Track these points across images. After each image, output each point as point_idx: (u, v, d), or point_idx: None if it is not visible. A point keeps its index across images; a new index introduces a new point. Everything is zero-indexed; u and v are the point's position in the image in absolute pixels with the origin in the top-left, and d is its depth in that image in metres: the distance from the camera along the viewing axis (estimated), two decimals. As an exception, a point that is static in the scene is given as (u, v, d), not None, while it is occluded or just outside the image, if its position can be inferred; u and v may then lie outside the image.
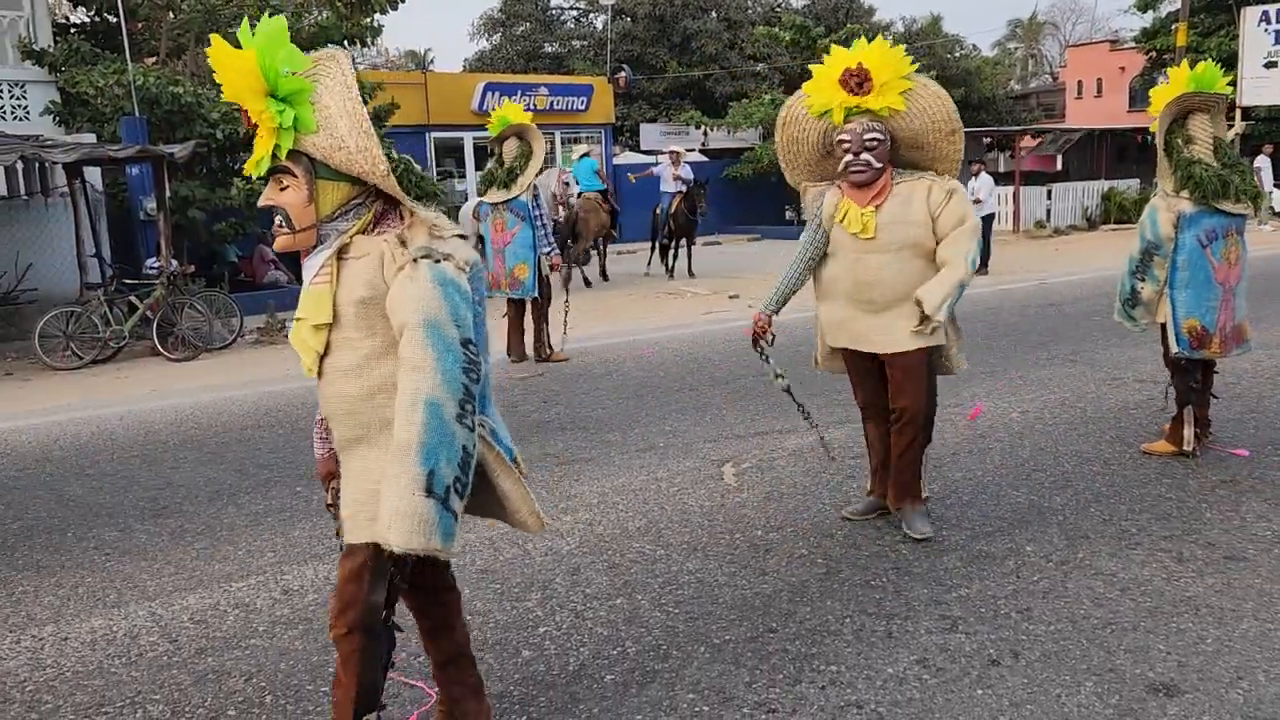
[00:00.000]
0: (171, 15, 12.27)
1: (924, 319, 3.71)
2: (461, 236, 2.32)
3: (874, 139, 3.77)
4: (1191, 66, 4.60)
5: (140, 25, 12.85)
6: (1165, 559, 3.73)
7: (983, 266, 13.46)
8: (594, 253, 14.30)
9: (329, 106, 2.19)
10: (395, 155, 2.30)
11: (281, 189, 2.27)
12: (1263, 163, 18.59)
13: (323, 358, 2.31)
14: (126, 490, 5.15)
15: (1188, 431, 4.85)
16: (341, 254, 2.29)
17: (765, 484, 4.80)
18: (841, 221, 3.87)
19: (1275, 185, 19.33)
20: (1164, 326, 4.79)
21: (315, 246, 2.31)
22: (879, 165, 3.80)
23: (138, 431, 6.43)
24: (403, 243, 2.24)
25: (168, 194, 10.34)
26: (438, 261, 2.18)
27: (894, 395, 4.01)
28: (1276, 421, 5.47)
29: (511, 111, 7.87)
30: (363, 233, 2.29)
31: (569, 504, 4.61)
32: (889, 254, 3.81)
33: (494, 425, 2.38)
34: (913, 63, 3.77)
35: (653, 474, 5.02)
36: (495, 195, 7.81)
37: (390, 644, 2.44)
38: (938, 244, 3.82)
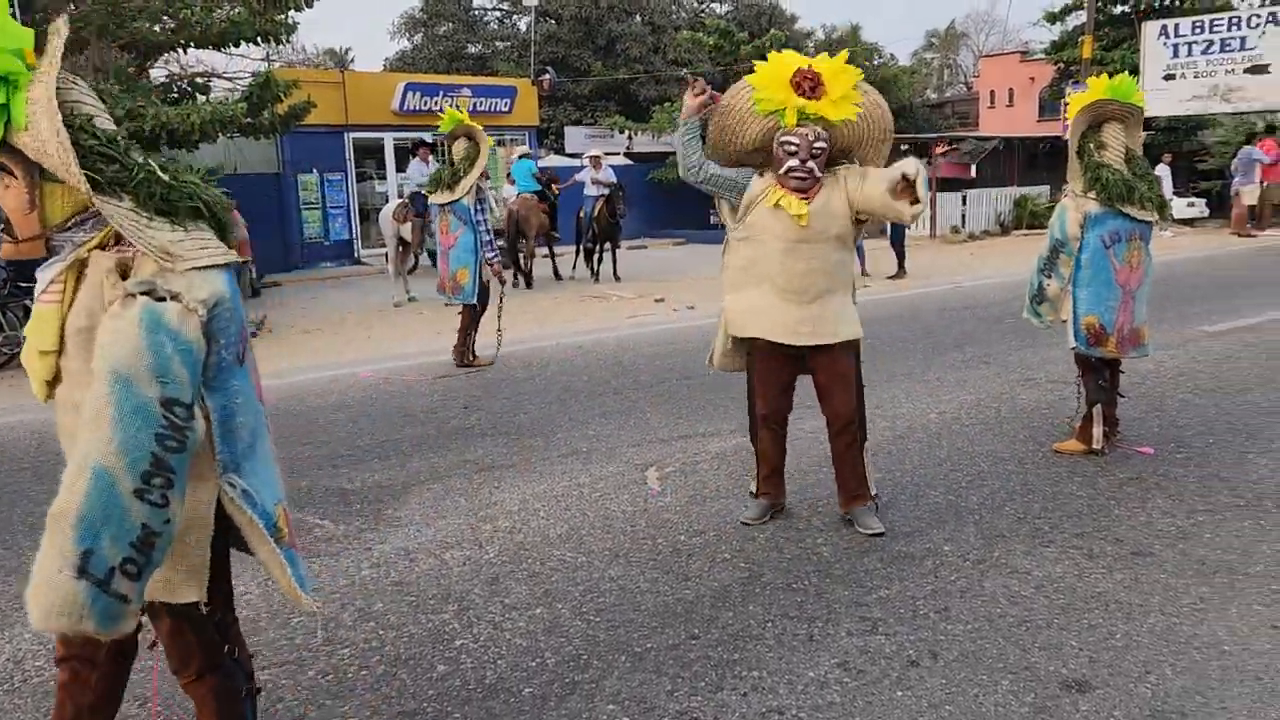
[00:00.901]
0: (72, 8, 11.77)
1: (908, 185, 3.59)
2: (229, 265, 2.00)
3: (820, 147, 3.76)
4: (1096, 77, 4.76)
5: (37, 18, 12.30)
6: (1077, 556, 3.81)
7: (900, 271, 13.73)
8: (534, 254, 14.19)
9: (37, 99, 1.86)
10: (138, 160, 1.96)
11: (3, 188, 1.94)
12: (1163, 171, 19.31)
13: (54, 384, 2.03)
14: (14, 505, 4.88)
15: (1097, 430, 4.97)
16: (81, 270, 1.95)
17: (689, 488, 4.77)
18: (775, 206, 3.80)
19: (1174, 193, 20.11)
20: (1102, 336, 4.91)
21: (47, 258, 1.98)
22: (820, 174, 3.80)
23: (29, 443, 6.12)
24: (123, 272, 1.89)
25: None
26: (160, 300, 1.84)
27: (825, 399, 3.99)
28: (1179, 420, 5.64)
29: (464, 113, 7.80)
30: (103, 247, 1.94)
31: (489, 512, 4.52)
32: (820, 244, 3.80)
33: (248, 486, 2.07)
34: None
35: (575, 480, 4.95)
36: (439, 197, 7.68)
37: (246, 675, 2.32)
38: (861, 219, 3.86)
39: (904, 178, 3.56)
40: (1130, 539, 3.95)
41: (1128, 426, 5.46)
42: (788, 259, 3.81)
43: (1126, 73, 5.06)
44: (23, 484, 5.24)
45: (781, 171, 3.79)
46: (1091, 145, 4.77)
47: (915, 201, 3.59)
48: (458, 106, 8.36)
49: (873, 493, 4.14)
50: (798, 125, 3.74)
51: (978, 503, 4.42)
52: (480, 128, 7.80)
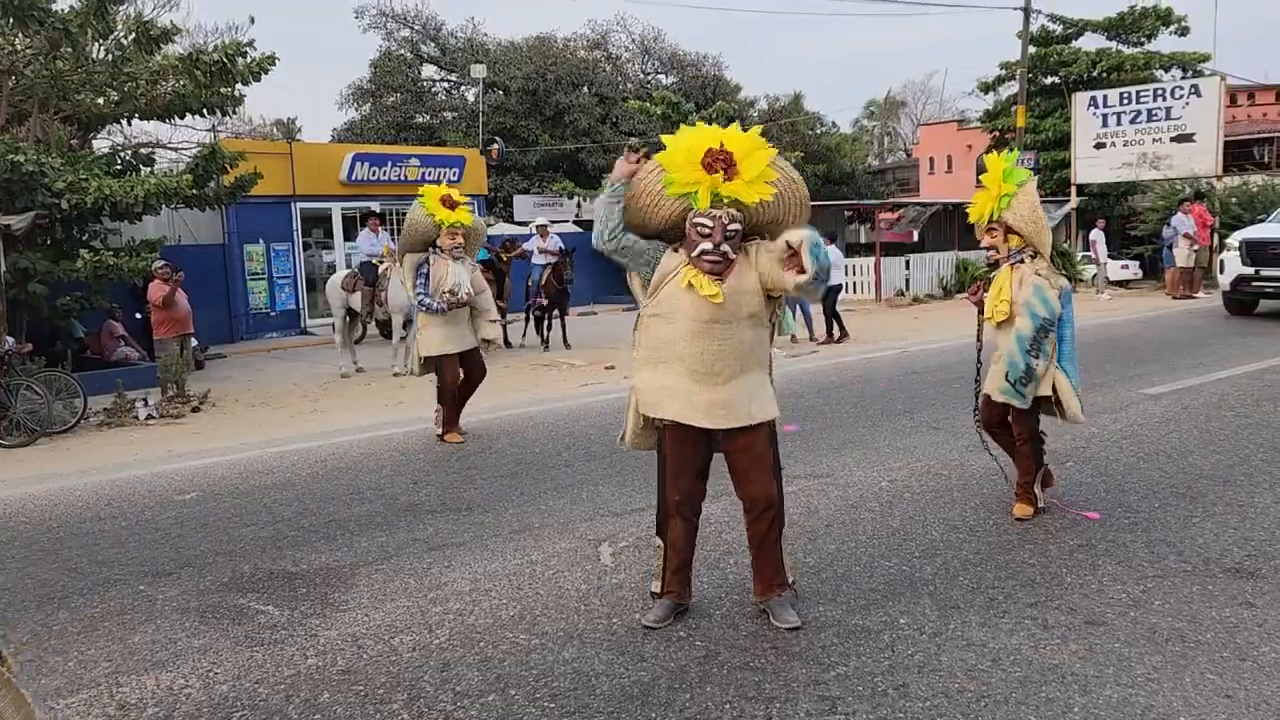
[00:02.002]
0: (13, 81, 11.65)
1: (792, 255, 3.46)
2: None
3: (734, 230, 3.66)
4: (1027, 147, 5.05)
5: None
6: (1032, 626, 3.81)
7: (839, 335, 13.92)
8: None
9: None
10: None
11: None
12: (1097, 235, 19.94)
13: None
14: (-57, 596, 4.67)
15: (1039, 491, 5.20)
16: None
17: (642, 563, 4.70)
18: (686, 285, 3.65)
19: (1109, 256, 20.72)
20: (1044, 399, 5.08)
21: None
22: (734, 256, 3.69)
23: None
24: None
25: (3, 268, 9.71)
26: None
27: (741, 483, 3.83)
28: (1124, 484, 5.72)
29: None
30: None
31: (439, 593, 4.41)
32: (732, 324, 3.68)
33: None
34: (770, 144, 3.69)
35: (527, 557, 4.86)
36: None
37: None
38: (769, 287, 3.72)
39: (787, 245, 3.45)
40: (1083, 607, 3.96)
41: (1075, 491, 5.53)
42: (699, 339, 3.67)
43: (1007, 150, 5.26)
44: (-52, 574, 5.01)
45: (694, 254, 3.65)
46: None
47: (802, 271, 3.43)
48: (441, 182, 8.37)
49: (790, 581, 3.95)
50: (711, 206, 3.62)
51: (932, 573, 4.42)
52: (472, 220, 7.73)
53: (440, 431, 7.73)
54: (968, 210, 5.32)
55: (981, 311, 5.26)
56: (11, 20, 10.95)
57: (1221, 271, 14.58)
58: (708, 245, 3.62)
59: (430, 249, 7.57)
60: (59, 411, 9.39)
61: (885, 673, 3.46)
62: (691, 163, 3.60)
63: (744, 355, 3.72)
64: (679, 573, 3.98)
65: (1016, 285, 4.96)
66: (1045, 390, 5.01)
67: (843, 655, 3.61)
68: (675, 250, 3.76)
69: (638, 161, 3.73)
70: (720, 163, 3.57)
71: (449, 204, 7.47)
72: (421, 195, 7.51)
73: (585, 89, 32.54)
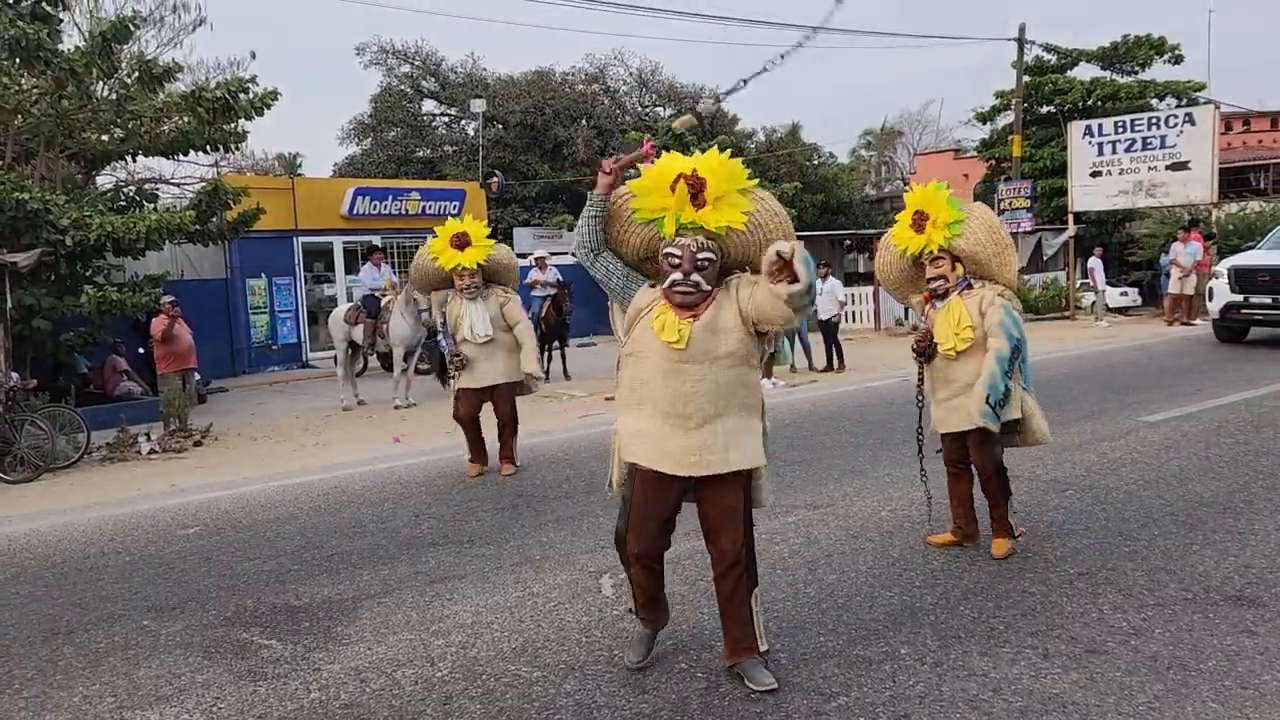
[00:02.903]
0: (19, 120, 11.79)
1: (783, 264, 3.17)
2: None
3: (706, 259, 3.46)
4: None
5: (-15, 130, 12.30)
6: (1032, 655, 3.82)
7: (840, 365, 13.97)
8: None
9: None
10: None
11: None
12: (1095, 263, 20.03)
13: None
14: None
15: (1014, 519, 5.12)
16: None
17: (643, 595, 4.71)
18: (655, 326, 3.49)
19: (1107, 283, 20.81)
20: (1009, 424, 4.98)
21: None
22: (708, 288, 3.49)
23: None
24: None
25: (9, 304, 9.77)
26: None
27: (710, 536, 3.62)
28: (1124, 512, 5.74)
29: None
30: None
31: (441, 626, 4.42)
32: (705, 364, 3.46)
33: None
34: (755, 176, 3.57)
35: (529, 589, 4.87)
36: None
37: None
38: (754, 322, 3.49)
39: (778, 255, 3.16)
40: (1084, 636, 3.98)
41: (1074, 519, 5.55)
42: (670, 380, 3.48)
43: (936, 182, 5.14)
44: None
45: (666, 286, 3.48)
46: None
47: (794, 280, 3.16)
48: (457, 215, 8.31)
49: (763, 648, 3.70)
50: (679, 235, 3.46)
51: (933, 603, 4.43)
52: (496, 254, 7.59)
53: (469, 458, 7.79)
54: (894, 243, 5.16)
55: (924, 357, 5.13)
56: (18, 61, 11.09)
57: (1210, 299, 14.59)
58: (677, 276, 3.45)
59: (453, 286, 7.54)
60: (63, 447, 9.42)
61: (887, 703, 3.47)
62: (660, 187, 3.46)
63: (722, 397, 3.49)
64: (648, 607, 3.85)
65: (976, 311, 4.85)
66: (1015, 413, 4.92)
67: (844, 686, 3.62)
68: (651, 286, 3.61)
69: (610, 172, 3.54)
70: (690, 188, 3.40)
71: (460, 243, 7.30)
72: (436, 233, 7.44)
73: (584, 121, 32.81)
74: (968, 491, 5.21)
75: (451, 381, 7.74)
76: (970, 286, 4.95)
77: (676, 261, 3.45)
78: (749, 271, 3.59)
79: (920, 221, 4.94)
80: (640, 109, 35.77)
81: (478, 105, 27.21)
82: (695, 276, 3.45)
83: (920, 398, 5.30)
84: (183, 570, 5.52)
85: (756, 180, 3.53)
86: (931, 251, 4.95)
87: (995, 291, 4.89)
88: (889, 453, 7.67)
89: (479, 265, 7.43)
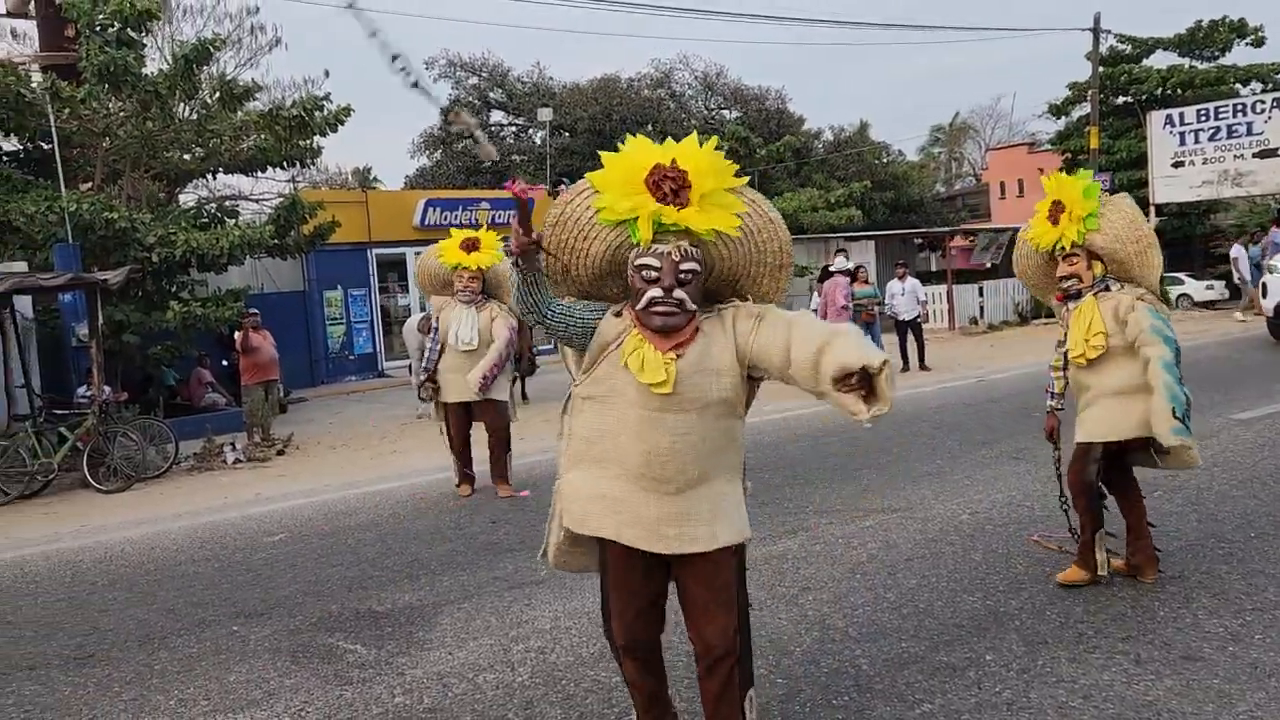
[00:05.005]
0: (107, 142, 12.26)
1: (869, 394, 2.46)
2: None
3: (690, 270, 2.74)
4: (1102, 168, 4.71)
5: (75, 152, 12.82)
6: (1124, 661, 3.71)
7: (922, 365, 13.79)
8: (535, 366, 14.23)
9: None
10: None
11: None
12: (1239, 252, 18.09)
13: None
14: (50, 638, 4.87)
15: (1100, 555, 4.51)
16: None
17: (720, 600, 4.69)
18: (627, 363, 2.73)
19: (1190, 276, 20.12)
20: (1141, 442, 4.41)
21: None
22: (692, 307, 2.75)
23: (64, 573, 6.14)
24: None
25: (100, 320, 10.15)
26: None
27: (692, 623, 2.86)
28: (1217, 514, 5.54)
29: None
30: None
31: (520, 631, 4.46)
32: (692, 414, 2.73)
33: None
34: (739, 173, 2.84)
35: (605, 594, 4.89)
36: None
37: None
38: (755, 374, 2.80)
39: (864, 370, 2.43)
40: (1178, 642, 3.85)
41: (1164, 520, 5.38)
42: (647, 433, 2.73)
43: (1081, 170, 4.68)
44: (58, 616, 5.24)
45: (641, 305, 2.73)
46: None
47: (871, 397, 2.46)
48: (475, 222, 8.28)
49: None
50: (655, 242, 2.73)
51: (1018, 608, 4.33)
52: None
53: (456, 482, 7.49)
54: (1028, 237, 4.68)
55: (1054, 443, 4.76)
56: (107, 86, 11.53)
57: (1265, 295, 13.81)
58: (655, 292, 2.71)
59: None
60: (153, 457, 9.75)
61: (972, 710, 3.40)
62: (631, 181, 2.73)
63: (706, 455, 2.78)
64: (652, 711, 3.09)
65: (1111, 317, 4.32)
66: (1146, 430, 4.27)
67: (927, 692, 3.56)
68: (618, 315, 2.84)
69: (528, 212, 2.73)
70: (669, 183, 2.70)
71: (470, 246, 7.12)
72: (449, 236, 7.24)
73: (649, 126, 32.90)
74: (1138, 505, 4.62)
75: (424, 399, 7.52)
76: (1108, 288, 4.42)
77: (654, 274, 2.72)
78: (739, 285, 2.93)
79: (1056, 213, 4.44)
80: (706, 112, 35.74)
81: (544, 114, 27.49)
82: (679, 292, 2.71)
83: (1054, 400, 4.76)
84: (269, 577, 5.67)
85: (747, 179, 2.89)
86: (1064, 247, 4.46)
87: (1134, 295, 4.33)
88: (968, 454, 7.53)
89: (481, 271, 7.12)
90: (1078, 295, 4.49)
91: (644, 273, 2.73)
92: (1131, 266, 4.38)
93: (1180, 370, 4.21)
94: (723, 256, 2.82)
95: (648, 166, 2.72)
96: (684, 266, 2.72)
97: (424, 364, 7.47)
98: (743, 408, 2.88)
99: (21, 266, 11.74)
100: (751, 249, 2.85)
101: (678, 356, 2.71)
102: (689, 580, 2.84)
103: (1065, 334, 4.58)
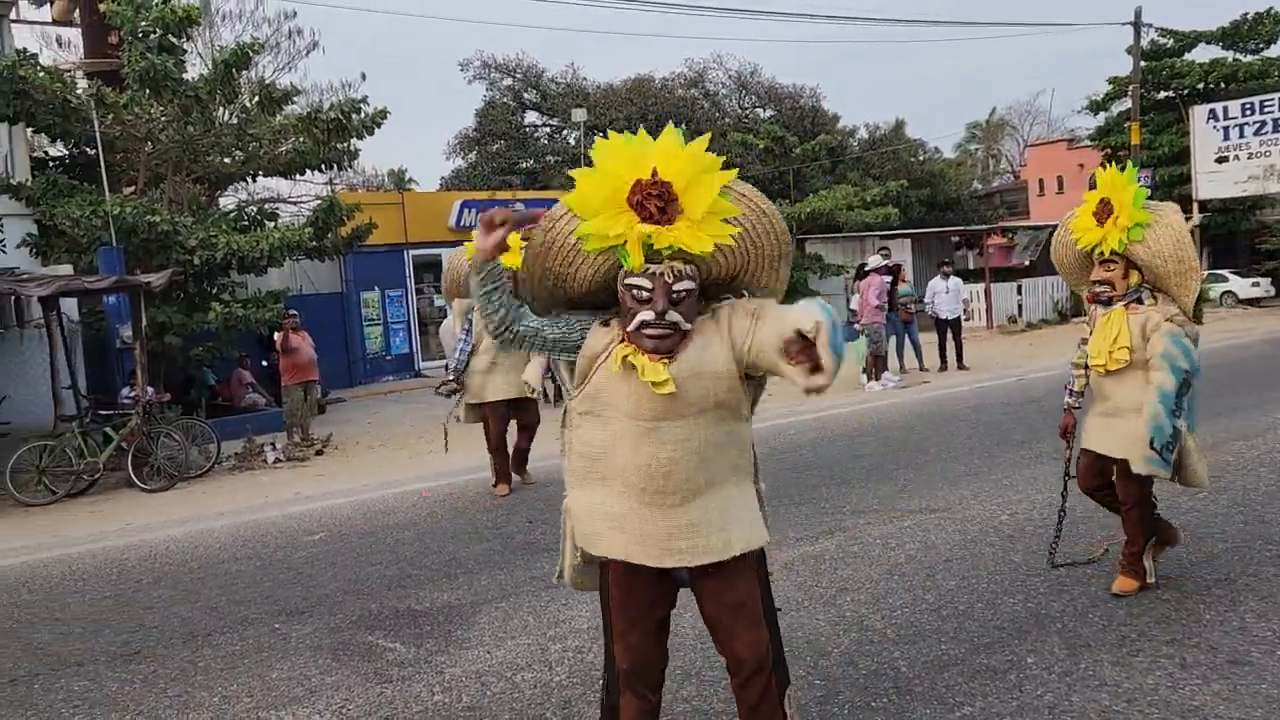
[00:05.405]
0: (150, 146, 12.47)
1: (805, 344, 2.33)
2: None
3: (685, 290, 2.57)
4: (1144, 164, 4.56)
5: (119, 157, 13.06)
6: (1169, 665, 3.65)
7: (960, 364, 13.67)
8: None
9: None
10: None
11: None
12: None
13: None
14: (97, 635, 4.97)
15: (1149, 563, 4.46)
16: None
17: (757, 601, 4.68)
18: (619, 367, 2.59)
19: (1234, 273, 19.76)
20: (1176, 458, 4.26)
21: None
22: (687, 326, 2.60)
23: (110, 570, 6.26)
24: None
25: (144, 322, 10.34)
26: None
27: (719, 638, 2.74)
28: (1265, 514, 5.44)
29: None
30: None
31: (558, 631, 4.48)
32: (690, 420, 2.60)
33: None
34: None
35: (642, 594, 4.89)
36: None
37: None
38: (755, 364, 2.60)
39: (799, 335, 2.33)
40: (1225, 646, 3.78)
41: (1209, 522, 5.29)
42: (645, 444, 2.60)
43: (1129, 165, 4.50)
44: (104, 613, 5.34)
45: (632, 328, 2.58)
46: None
47: (816, 369, 2.32)
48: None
49: None
50: (647, 260, 2.56)
51: (1059, 610, 4.28)
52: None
53: (493, 482, 7.52)
54: (1071, 228, 4.53)
55: (1067, 441, 4.66)
56: (149, 91, 11.73)
57: None
58: (648, 315, 2.55)
59: None
60: (195, 457, 9.91)
61: (1013, 714, 3.37)
62: (613, 203, 2.55)
63: (712, 461, 2.65)
64: None
65: (1138, 332, 4.21)
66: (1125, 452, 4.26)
67: (968, 695, 3.53)
68: (606, 324, 2.70)
69: (500, 223, 2.61)
70: (655, 200, 2.50)
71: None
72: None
73: (684, 125, 32.82)
74: (1128, 515, 4.48)
75: (457, 398, 7.49)
76: (1140, 300, 4.29)
77: (645, 296, 2.56)
78: (736, 283, 2.76)
79: (1104, 214, 4.26)
80: (740, 110, 35.65)
81: (579, 115, 27.54)
82: (672, 314, 2.55)
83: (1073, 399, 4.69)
84: (310, 575, 5.74)
85: (736, 170, 2.67)
86: (1103, 253, 4.32)
87: (1165, 315, 4.20)
88: (1006, 454, 7.45)
89: (513, 271, 7.15)
90: (1108, 302, 4.37)
91: (635, 293, 2.57)
92: (1169, 285, 4.26)
93: (1187, 398, 4.14)
94: (719, 263, 2.65)
95: (629, 183, 2.52)
96: (677, 287, 2.56)
97: (455, 364, 7.50)
98: (747, 409, 2.72)
99: (67, 269, 12.00)
100: (748, 247, 2.67)
101: (672, 361, 2.57)
102: (706, 596, 2.71)
103: (1090, 333, 4.49)
